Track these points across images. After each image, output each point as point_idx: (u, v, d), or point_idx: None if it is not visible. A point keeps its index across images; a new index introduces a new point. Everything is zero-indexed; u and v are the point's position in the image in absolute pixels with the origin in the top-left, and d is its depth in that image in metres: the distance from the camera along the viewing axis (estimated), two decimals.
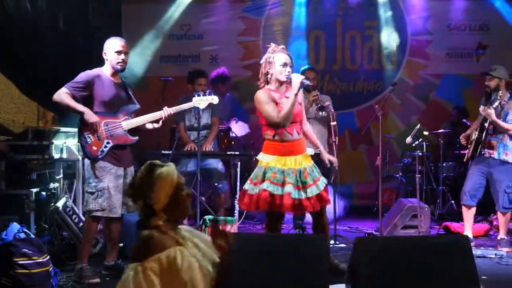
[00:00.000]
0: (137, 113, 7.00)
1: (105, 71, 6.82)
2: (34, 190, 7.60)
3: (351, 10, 12.60)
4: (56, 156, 7.93)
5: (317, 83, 9.39)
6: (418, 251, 4.60)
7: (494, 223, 9.32)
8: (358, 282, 4.54)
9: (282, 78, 6.43)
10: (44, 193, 7.70)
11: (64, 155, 8.06)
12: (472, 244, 7.66)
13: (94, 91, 6.64)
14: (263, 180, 6.40)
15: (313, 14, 12.54)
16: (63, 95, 6.51)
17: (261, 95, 6.45)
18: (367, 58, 12.59)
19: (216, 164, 9.36)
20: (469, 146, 8.53)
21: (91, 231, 6.81)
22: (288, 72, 6.43)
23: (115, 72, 6.86)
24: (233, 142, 10.61)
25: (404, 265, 4.49)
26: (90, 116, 6.52)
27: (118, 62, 6.76)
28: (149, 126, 6.99)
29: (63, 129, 8.24)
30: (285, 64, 6.43)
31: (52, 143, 7.87)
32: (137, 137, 6.90)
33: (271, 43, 6.67)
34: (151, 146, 10.10)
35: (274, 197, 6.31)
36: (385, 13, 12.40)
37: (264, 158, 6.50)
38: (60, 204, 7.73)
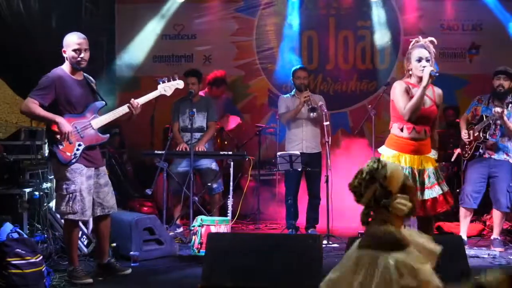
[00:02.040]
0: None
1: (66, 69, 6.59)
2: (27, 190, 7.60)
3: (344, 10, 12.61)
4: None
5: (308, 82, 9.42)
6: None
7: (488, 223, 9.33)
8: None
9: (419, 73, 6.36)
10: (37, 193, 7.68)
11: None
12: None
13: (58, 93, 6.40)
14: None
15: (306, 14, 12.53)
16: (31, 105, 6.30)
17: (396, 86, 6.49)
18: (360, 58, 12.58)
19: (210, 163, 9.36)
20: (466, 146, 8.50)
21: (71, 234, 6.61)
22: (424, 66, 6.35)
23: (75, 70, 6.59)
24: (226, 142, 10.62)
25: None
26: (64, 125, 6.30)
27: (78, 61, 6.51)
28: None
29: None
30: (420, 59, 6.40)
31: (45, 143, 7.86)
32: (108, 135, 6.75)
33: (419, 37, 6.70)
34: (144, 146, 10.10)
35: None
36: (377, 13, 12.39)
37: (385, 152, 6.47)
38: (53, 204, 7.72)
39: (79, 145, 6.44)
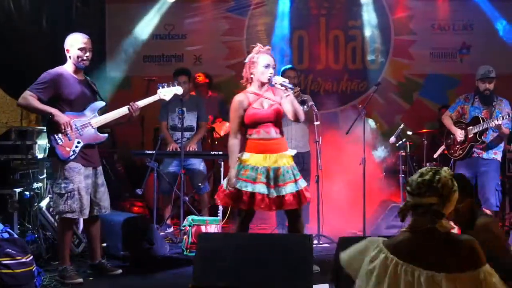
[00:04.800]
0: (105, 110, 6.88)
1: (68, 69, 6.63)
2: (18, 190, 7.57)
3: (335, 10, 12.63)
4: (40, 156, 7.90)
5: (297, 82, 9.42)
6: None
7: None
8: (341, 282, 4.54)
9: (264, 79, 6.53)
10: (27, 193, 7.65)
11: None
12: None
13: (58, 90, 6.45)
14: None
15: (297, 13, 12.54)
16: (28, 98, 6.35)
17: (234, 100, 6.62)
18: (350, 58, 12.61)
19: (199, 164, 9.38)
20: (457, 145, 8.50)
21: (65, 232, 6.65)
22: (270, 74, 6.52)
23: (78, 70, 6.66)
24: (216, 142, 10.62)
25: None
26: (60, 116, 6.36)
27: (82, 60, 6.57)
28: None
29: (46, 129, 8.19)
30: (268, 66, 6.51)
31: (36, 143, 7.85)
32: (106, 135, 6.79)
33: (257, 43, 6.72)
34: (134, 146, 10.09)
35: (241, 193, 6.39)
36: (368, 13, 12.42)
37: (243, 156, 6.56)
38: (43, 204, 7.71)
39: (78, 142, 6.49)
